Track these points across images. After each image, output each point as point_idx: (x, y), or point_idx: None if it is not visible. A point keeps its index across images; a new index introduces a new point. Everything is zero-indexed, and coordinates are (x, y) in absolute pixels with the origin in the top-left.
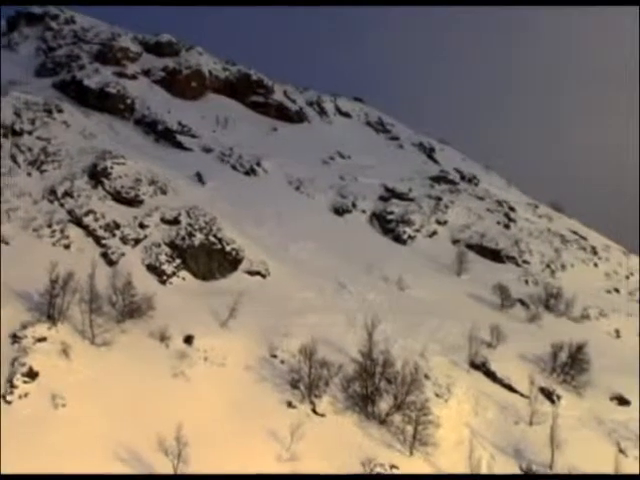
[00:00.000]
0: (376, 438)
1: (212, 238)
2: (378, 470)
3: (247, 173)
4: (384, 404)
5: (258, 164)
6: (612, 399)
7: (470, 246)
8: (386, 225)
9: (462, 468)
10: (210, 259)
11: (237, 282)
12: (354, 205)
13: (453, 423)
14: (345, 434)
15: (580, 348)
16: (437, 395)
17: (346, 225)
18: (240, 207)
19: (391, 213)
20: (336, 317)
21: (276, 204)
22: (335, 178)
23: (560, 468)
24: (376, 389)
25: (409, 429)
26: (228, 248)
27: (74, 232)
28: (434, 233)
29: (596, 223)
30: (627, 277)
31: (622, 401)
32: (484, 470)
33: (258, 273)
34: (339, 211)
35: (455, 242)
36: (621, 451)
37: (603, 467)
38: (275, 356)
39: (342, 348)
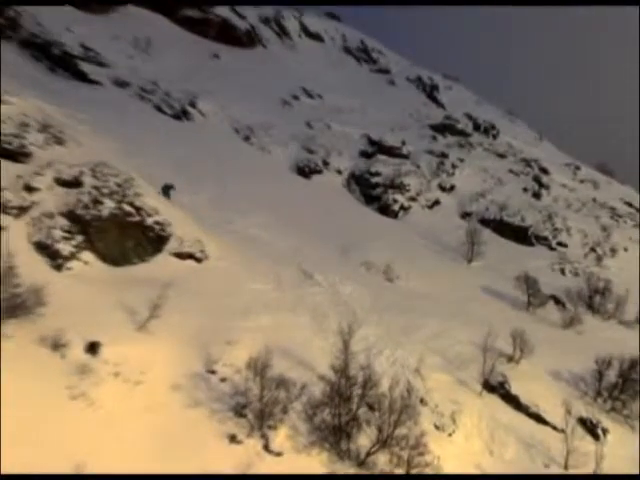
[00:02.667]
0: None
1: (127, 207)
2: None
3: (177, 117)
4: (364, 439)
5: (192, 104)
6: None
7: (486, 222)
8: (370, 191)
9: None
10: (124, 236)
11: (162, 268)
12: (325, 163)
13: (459, 465)
14: None
15: (634, 364)
16: (437, 427)
17: (314, 191)
18: (167, 164)
19: (377, 175)
20: (299, 318)
21: (217, 161)
22: (300, 125)
23: None
24: (353, 418)
25: (399, 474)
26: (149, 221)
27: None
28: (436, 203)
29: None
30: None
31: None
32: None
33: (191, 256)
34: (305, 171)
35: (465, 216)
36: None
37: None
38: (213, 372)
39: (307, 361)
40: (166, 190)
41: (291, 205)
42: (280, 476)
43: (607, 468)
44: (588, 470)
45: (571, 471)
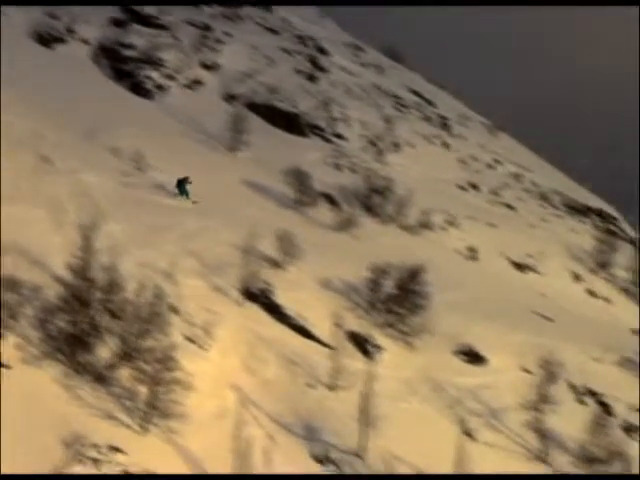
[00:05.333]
0: (90, 404)
1: None
2: (92, 455)
3: None
4: (105, 351)
5: None
6: (458, 354)
7: (253, 106)
8: (121, 66)
9: (222, 452)
10: None
11: None
12: (70, 31)
13: (213, 385)
14: (40, 397)
15: (415, 274)
16: (190, 340)
17: (57, 63)
18: None
19: (130, 47)
20: (33, 211)
21: None
22: None
23: (375, 455)
24: (93, 327)
25: (143, 392)
26: None
27: None
28: (197, 83)
29: (449, 83)
30: (491, 166)
31: (473, 357)
32: (258, 457)
33: None
34: (45, 39)
35: (230, 99)
36: (467, 433)
37: (438, 456)
38: None
39: (41, 260)
40: (181, 184)
41: (26, 79)
42: (280, 476)
43: (380, 390)
44: (357, 391)
45: (339, 392)
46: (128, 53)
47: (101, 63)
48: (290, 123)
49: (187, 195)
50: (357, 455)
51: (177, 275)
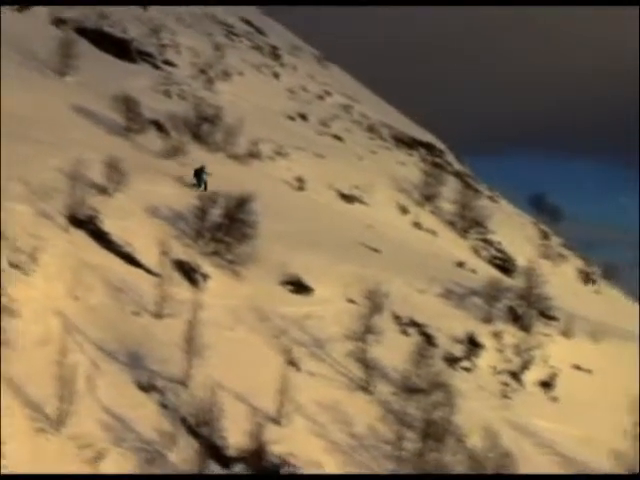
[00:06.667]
0: None
1: None
2: None
3: None
4: None
5: None
6: (285, 284)
7: (83, 31)
8: None
9: (46, 378)
10: None
11: None
12: None
13: (37, 311)
14: None
15: (242, 203)
16: (14, 265)
17: None
18: None
19: None
20: None
21: None
22: None
23: (199, 384)
24: None
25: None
26: None
27: None
28: (26, 7)
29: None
30: (321, 97)
31: (299, 287)
32: (82, 384)
33: None
34: None
35: (59, 23)
36: (291, 363)
37: (262, 385)
38: None
39: None
40: (199, 174)
41: None
42: (281, 476)
43: (205, 318)
44: (183, 320)
45: (165, 320)
46: None
47: None
48: (120, 49)
49: (205, 186)
50: (182, 383)
51: (5, 200)
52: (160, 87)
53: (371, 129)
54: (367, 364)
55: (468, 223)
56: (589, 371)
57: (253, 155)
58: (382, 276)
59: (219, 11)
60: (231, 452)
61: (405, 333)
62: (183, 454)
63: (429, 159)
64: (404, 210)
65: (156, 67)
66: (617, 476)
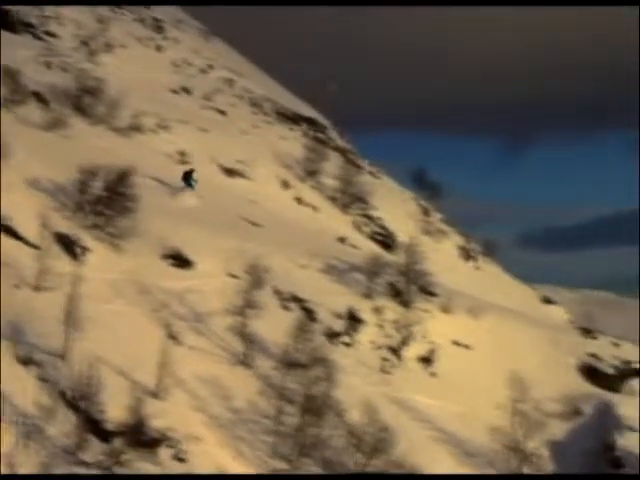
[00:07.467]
0: None
1: None
2: None
3: None
4: None
5: None
6: (166, 258)
7: None
8: None
9: None
10: None
11: None
12: None
13: None
14: None
15: (124, 176)
16: None
17: None
18: None
19: None
20: None
21: None
22: None
23: (78, 357)
24: None
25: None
26: None
27: None
28: None
29: None
30: (205, 71)
31: (181, 261)
32: None
33: None
34: None
35: None
36: (172, 337)
37: (143, 359)
38: None
39: None
40: (187, 177)
41: None
42: (281, 476)
43: (85, 292)
44: (62, 293)
45: (44, 294)
46: None
47: None
48: (1, 19)
49: (193, 187)
50: (61, 357)
51: None
52: (41, 58)
53: (254, 104)
54: (248, 339)
55: (350, 199)
56: (468, 347)
57: (135, 128)
58: (264, 251)
59: None
60: (110, 426)
61: (286, 308)
62: (62, 428)
63: (312, 134)
64: (286, 185)
65: (38, 38)
66: (617, 476)
